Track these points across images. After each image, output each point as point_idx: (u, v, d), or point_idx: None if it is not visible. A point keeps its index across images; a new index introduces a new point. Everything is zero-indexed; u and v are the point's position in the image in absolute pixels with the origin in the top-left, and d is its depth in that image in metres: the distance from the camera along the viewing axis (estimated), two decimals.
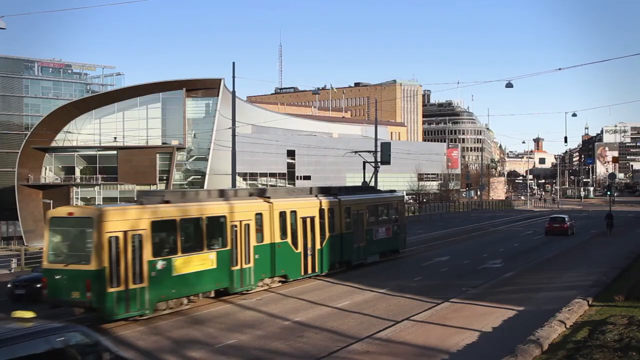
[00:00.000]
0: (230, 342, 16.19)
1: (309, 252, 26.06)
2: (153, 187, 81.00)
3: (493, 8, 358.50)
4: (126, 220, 18.34)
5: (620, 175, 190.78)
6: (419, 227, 54.89)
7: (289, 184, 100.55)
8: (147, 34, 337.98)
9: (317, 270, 26.61)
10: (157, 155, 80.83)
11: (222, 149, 72.42)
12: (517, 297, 20.99)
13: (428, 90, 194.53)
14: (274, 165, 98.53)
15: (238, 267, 22.16)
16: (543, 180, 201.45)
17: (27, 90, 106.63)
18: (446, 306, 19.73)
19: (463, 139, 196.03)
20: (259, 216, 23.39)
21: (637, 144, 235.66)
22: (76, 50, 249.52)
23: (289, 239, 24.89)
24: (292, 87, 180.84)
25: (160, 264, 19.04)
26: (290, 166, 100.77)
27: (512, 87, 38.44)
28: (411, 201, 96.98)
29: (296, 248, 25.29)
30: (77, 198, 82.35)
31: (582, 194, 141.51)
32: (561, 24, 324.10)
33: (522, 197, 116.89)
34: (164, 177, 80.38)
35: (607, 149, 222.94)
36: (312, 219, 26.31)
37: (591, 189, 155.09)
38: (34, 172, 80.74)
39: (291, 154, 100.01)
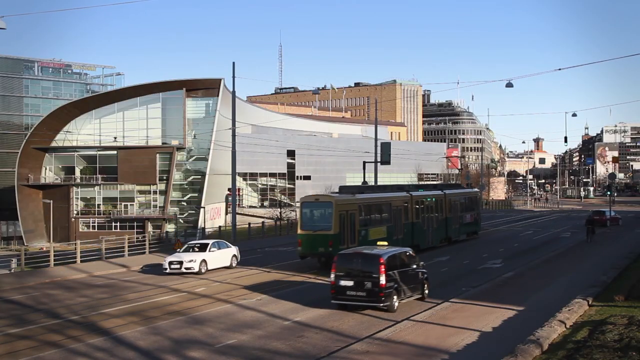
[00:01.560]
0: (230, 342, 16.19)
1: (430, 230, 37.09)
2: (153, 187, 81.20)
3: (493, 8, 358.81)
4: (347, 204, 29.58)
5: (620, 175, 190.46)
6: None
7: (289, 184, 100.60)
8: (147, 34, 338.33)
9: (433, 243, 37.38)
10: (157, 155, 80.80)
11: (222, 149, 72.35)
12: (517, 297, 20.98)
13: (428, 90, 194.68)
14: (274, 165, 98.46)
15: (396, 237, 32.40)
16: (543, 180, 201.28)
17: (27, 90, 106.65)
18: (446, 306, 19.72)
19: (463, 139, 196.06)
20: (405, 203, 34.78)
21: (637, 144, 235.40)
22: (76, 50, 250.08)
23: (420, 220, 36.04)
24: (292, 87, 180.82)
25: (362, 232, 30.10)
26: (290, 166, 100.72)
27: (512, 87, 38.57)
28: None
29: (424, 226, 36.49)
30: (77, 198, 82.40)
31: (582, 194, 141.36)
32: (561, 24, 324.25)
33: (526, 198, 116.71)
34: (164, 177, 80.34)
35: (607, 149, 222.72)
36: (431, 206, 37.74)
37: (591, 189, 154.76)
38: (34, 172, 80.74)
39: (291, 154, 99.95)
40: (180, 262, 28.64)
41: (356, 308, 19.51)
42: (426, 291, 21.59)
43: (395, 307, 19.31)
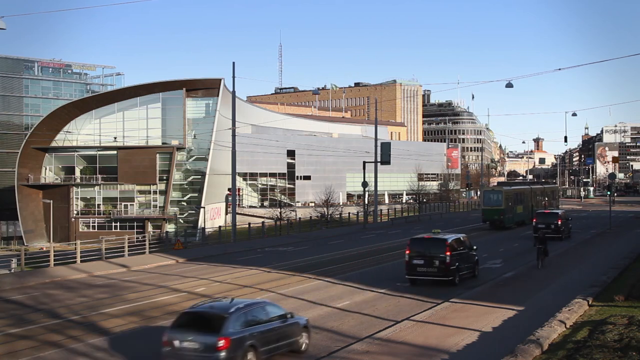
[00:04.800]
0: None
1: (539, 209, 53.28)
2: (153, 187, 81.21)
3: (493, 8, 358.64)
4: (509, 191, 52.04)
5: (620, 175, 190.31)
6: (419, 227, 54.86)
7: (289, 184, 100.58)
8: (147, 34, 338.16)
9: None
10: (157, 155, 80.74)
11: (222, 149, 72.36)
12: (517, 297, 21.00)
13: (428, 90, 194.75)
14: (274, 165, 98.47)
15: (525, 212, 53.67)
16: (543, 180, 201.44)
17: (27, 90, 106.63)
18: (446, 306, 19.72)
19: (463, 139, 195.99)
20: (529, 192, 56.52)
21: (637, 144, 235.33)
22: (76, 50, 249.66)
23: (535, 203, 56.13)
24: (292, 87, 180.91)
25: (514, 209, 51.78)
26: (290, 166, 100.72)
27: (512, 87, 38.94)
28: (411, 201, 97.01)
29: (536, 207, 54.51)
30: (77, 198, 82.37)
31: (582, 194, 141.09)
32: (561, 24, 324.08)
33: None
34: (164, 177, 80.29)
35: (607, 149, 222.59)
36: (539, 194, 59.48)
37: (591, 189, 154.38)
38: (34, 172, 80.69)
39: (291, 154, 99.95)
40: None
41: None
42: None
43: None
